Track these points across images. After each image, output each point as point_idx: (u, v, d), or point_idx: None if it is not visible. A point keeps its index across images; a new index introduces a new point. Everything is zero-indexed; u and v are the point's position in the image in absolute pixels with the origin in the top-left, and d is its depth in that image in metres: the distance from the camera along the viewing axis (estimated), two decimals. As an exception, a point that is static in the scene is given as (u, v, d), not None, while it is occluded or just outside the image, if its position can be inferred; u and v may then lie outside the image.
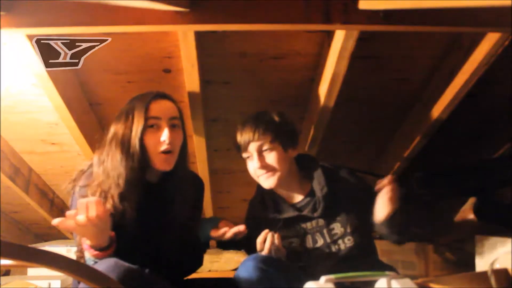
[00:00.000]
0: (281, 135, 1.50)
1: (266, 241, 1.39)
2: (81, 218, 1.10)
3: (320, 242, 1.52)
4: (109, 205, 1.27)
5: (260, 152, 1.49)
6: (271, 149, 1.49)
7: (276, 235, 1.39)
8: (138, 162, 1.30)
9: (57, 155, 2.30)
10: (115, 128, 1.34)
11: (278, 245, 1.40)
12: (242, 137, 1.51)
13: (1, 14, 1.35)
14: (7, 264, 0.81)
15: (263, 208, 1.59)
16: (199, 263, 1.53)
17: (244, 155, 1.53)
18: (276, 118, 1.53)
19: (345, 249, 1.50)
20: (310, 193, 1.55)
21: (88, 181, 1.34)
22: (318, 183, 1.52)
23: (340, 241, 1.51)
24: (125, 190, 1.29)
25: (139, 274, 1.21)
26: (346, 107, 2.04)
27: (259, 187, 1.61)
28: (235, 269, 1.39)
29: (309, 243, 1.52)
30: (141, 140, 1.30)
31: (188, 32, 1.51)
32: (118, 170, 1.29)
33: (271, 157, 1.49)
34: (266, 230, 1.40)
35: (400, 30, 1.56)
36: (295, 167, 1.57)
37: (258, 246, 1.40)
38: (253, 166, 1.52)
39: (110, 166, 1.30)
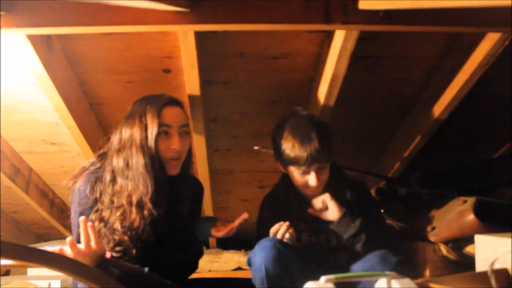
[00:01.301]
0: (332, 151, 1.54)
1: (279, 231, 1.42)
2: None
3: (334, 242, 1.56)
4: (146, 213, 1.28)
5: (318, 171, 1.52)
6: (326, 167, 1.54)
7: (290, 229, 1.44)
8: (161, 165, 1.33)
9: (57, 155, 2.30)
10: (130, 132, 1.34)
11: (291, 238, 1.43)
12: (303, 154, 1.48)
13: (1, 14, 1.35)
14: (7, 264, 0.81)
15: (286, 202, 1.63)
16: (195, 266, 1.54)
17: (296, 168, 1.52)
18: (329, 135, 1.55)
19: (358, 249, 1.53)
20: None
21: (90, 181, 1.34)
22: (336, 188, 1.57)
23: (352, 242, 1.54)
24: (157, 195, 1.30)
25: (139, 273, 1.21)
26: (346, 107, 2.04)
27: (284, 181, 1.64)
28: (235, 269, 1.41)
29: (324, 241, 1.56)
30: (156, 146, 1.32)
31: (188, 32, 1.51)
32: (147, 175, 1.30)
33: (324, 174, 1.54)
34: (281, 222, 1.44)
35: (400, 30, 1.56)
36: None
37: (271, 235, 1.44)
38: (305, 179, 1.53)
39: (137, 172, 1.31)
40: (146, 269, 1.25)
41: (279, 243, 1.37)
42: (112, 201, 1.31)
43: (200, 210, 1.63)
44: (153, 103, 1.36)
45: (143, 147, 1.31)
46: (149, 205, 1.29)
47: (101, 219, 1.30)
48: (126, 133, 1.35)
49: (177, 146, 1.35)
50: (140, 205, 1.29)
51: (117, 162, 1.34)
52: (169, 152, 1.35)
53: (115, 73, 1.83)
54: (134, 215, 1.28)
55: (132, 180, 1.31)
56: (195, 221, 1.55)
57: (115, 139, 1.37)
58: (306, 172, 1.51)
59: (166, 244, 1.37)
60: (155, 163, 1.31)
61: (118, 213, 1.29)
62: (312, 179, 1.51)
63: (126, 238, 1.28)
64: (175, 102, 1.41)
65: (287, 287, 1.34)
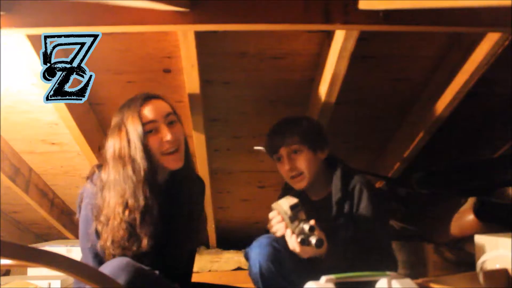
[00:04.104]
0: (309, 137, 1.54)
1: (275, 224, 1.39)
2: None
3: (331, 241, 1.54)
4: (122, 226, 1.24)
5: (289, 155, 1.53)
6: (300, 151, 1.53)
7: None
8: (149, 171, 1.26)
9: (57, 155, 2.30)
10: (113, 144, 1.29)
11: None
12: (272, 141, 1.57)
13: (1, 14, 1.35)
14: (7, 264, 0.81)
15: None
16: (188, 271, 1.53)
17: (275, 157, 1.58)
18: (303, 122, 1.58)
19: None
20: (329, 194, 1.57)
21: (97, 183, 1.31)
22: (335, 187, 1.55)
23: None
24: (145, 203, 1.25)
25: (150, 275, 1.20)
26: (346, 107, 2.04)
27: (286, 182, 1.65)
28: (235, 269, 1.41)
29: None
30: (145, 148, 1.26)
31: (188, 32, 1.51)
32: (131, 186, 1.25)
33: (300, 160, 1.53)
34: (272, 214, 1.39)
35: (400, 30, 1.56)
36: (324, 167, 1.59)
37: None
38: (283, 168, 1.55)
39: (120, 185, 1.26)
40: (157, 271, 1.23)
41: (275, 241, 1.37)
42: (101, 215, 1.27)
43: (203, 210, 1.56)
44: (130, 106, 1.30)
45: (124, 157, 1.26)
46: (136, 216, 1.24)
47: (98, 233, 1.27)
48: (108, 147, 1.30)
49: (170, 137, 1.28)
50: (124, 218, 1.25)
51: (103, 175, 1.30)
52: (163, 146, 1.29)
53: (115, 73, 1.83)
54: (118, 229, 1.24)
55: (118, 195, 1.26)
56: (196, 222, 1.53)
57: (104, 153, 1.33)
58: (280, 160, 1.55)
59: (166, 245, 1.35)
60: (142, 171, 1.25)
61: (108, 229, 1.25)
62: (285, 164, 1.53)
63: (117, 252, 1.24)
64: (152, 96, 1.34)
65: (280, 285, 1.35)
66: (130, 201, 1.25)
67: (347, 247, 1.43)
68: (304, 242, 1.28)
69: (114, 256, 1.25)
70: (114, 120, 1.33)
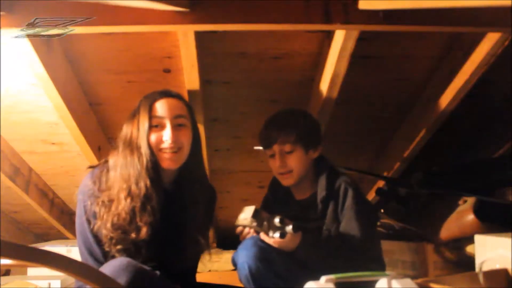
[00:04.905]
0: (304, 137, 1.53)
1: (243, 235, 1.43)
2: None
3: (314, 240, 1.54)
4: (125, 210, 1.25)
5: (282, 153, 1.53)
6: (293, 151, 1.52)
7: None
8: (151, 162, 1.28)
9: (57, 155, 2.30)
10: (125, 129, 1.34)
11: None
12: (266, 136, 1.55)
13: (1, 14, 1.35)
14: (7, 264, 0.81)
15: (274, 199, 1.64)
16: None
17: (268, 152, 1.57)
18: (301, 120, 1.56)
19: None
20: (314, 194, 1.56)
21: (97, 181, 1.32)
22: (320, 186, 1.54)
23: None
24: (146, 192, 1.27)
25: (150, 275, 1.19)
26: (346, 107, 2.04)
27: (274, 180, 1.65)
28: (235, 269, 1.39)
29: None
30: (148, 139, 1.29)
31: (188, 32, 1.52)
32: (135, 173, 1.27)
33: (292, 159, 1.53)
34: (240, 228, 1.43)
35: (400, 30, 1.56)
36: (312, 166, 1.59)
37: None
38: (274, 163, 1.56)
39: (126, 169, 1.28)
40: (158, 272, 1.23)
41: (261, 241, 1.37)
42: (104, 199, 1.29)
43: (211, 219, 1.58)
44: (147, 98, 1.34)
45: (132, 143, 1.30)
46: (136, 202, 1.26)
47: (97, 215, 1.28)
48: (123, 131, 1.35)
49: (168, 137, 1.29)
50: (127, 203, 1.26)
51: (112, 160, 1.33)
52: (161, 143, 1.31)
53: (115, 73, 1.83)
54: (121, 213, 1.26)
55: (122, 177, 1.28)
56: (205, 231, 1.52)
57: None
58: (272, 156, 1.54)
59: (168, 249, 1.35)
60: (145, 158, 1.28)
61: (110, 212, 1.26)
62: (276, 160, 1.53)
63: (116, 235, 1.25)
64: (171, 94, 1.36)
65: (272, 283, 1.35)
66: (133, 187, 1.27)
67: (331, 246, 1.43)
68: (283, 235, 1.31)
69: (111, 239, 1.25)
70: (136, 107, 1.37)
